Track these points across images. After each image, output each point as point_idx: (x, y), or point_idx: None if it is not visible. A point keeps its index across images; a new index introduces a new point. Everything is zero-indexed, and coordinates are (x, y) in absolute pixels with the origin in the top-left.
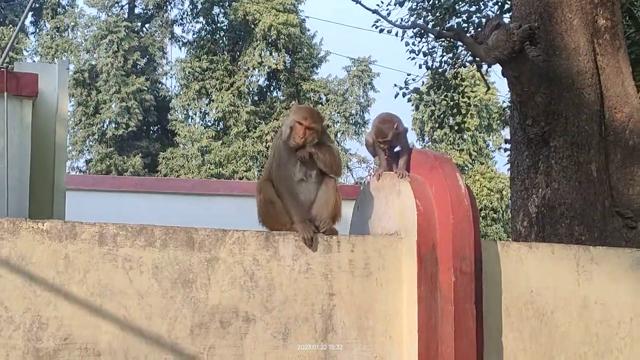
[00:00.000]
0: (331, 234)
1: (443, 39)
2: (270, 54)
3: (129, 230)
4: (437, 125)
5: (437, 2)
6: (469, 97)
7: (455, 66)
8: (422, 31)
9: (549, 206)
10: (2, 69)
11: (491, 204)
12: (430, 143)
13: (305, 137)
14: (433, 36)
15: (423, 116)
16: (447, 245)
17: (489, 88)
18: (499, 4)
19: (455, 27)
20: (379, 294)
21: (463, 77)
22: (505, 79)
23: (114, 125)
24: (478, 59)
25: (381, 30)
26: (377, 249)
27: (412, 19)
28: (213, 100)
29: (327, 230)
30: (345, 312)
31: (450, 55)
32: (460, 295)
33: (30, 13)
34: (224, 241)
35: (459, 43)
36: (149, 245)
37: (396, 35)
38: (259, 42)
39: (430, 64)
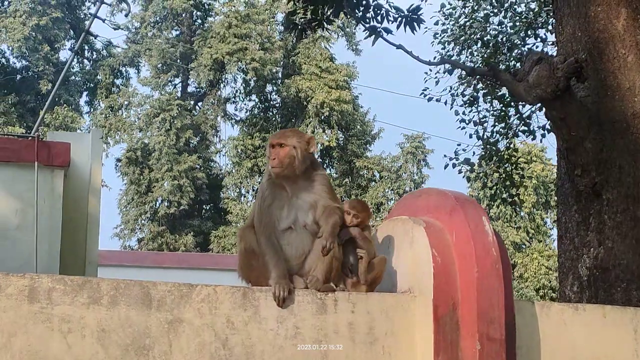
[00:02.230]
0: (326, 291)
1: (494, 109)
2: (323, 130)
3: (68, 284)
4: (488, 198)
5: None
6: (522, 169)
7: (508, 136)
8: (472, 99)
9: (603, 268)
10: (32, 137)
11: (550, 282)
12: None
13: (280, 158)
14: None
15: (479, 193)
16: (470, 305)
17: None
18: None
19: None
20: None
21: (516, 147)
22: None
23: (166, 203)
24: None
25: (429, 99)
26: (384, 309)
27: (462, 87)
28: None
29: (321, 288)
30: None
31: (503, 125)
32: None
33: (85, 93)
34: (190, 298)
35: (511, 112)
36: (93, 302)
37: (445, 103)
38: (311, 119)
39: (481, 133)
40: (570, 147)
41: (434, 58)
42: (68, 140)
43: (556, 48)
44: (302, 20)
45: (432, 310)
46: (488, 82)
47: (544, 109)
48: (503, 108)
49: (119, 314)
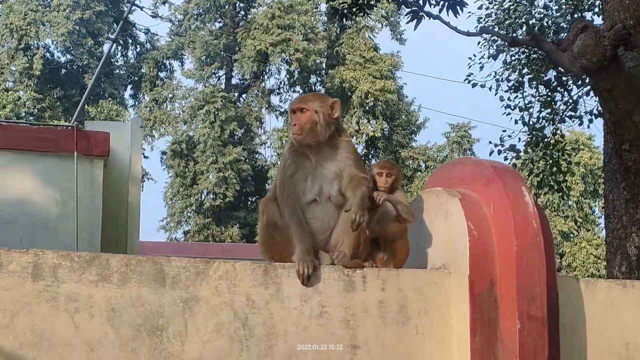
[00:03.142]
0: (354, 267)
1: (540, 94)
2: (368, 121)
3: (75, 261)
4: (535, 186)
5: (532, 53)
6: (569, 155)
7: (554, 122)
8: (517, 84)
9: None
10: (71, 127)
11: (598, 272)
12: None
13: (301, 124)
14: (507, 44)
15: (528, 181)
16: (509, 281)
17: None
18: None
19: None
20: (420, 347)
21: (562, 133)
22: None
23: (211, 195)
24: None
25: (474, 85)
26: (417, 287)
27: (507, 72)
28: None
29: (349, 264)
30: None
31: (549, 110)
32: (528, 348)
33: (129, 86)
34: (207, 275)
35: (558, 97)
36: (102, 280)
37: (490, 89)
38: (356, 109)
39: (526, 119)
40: (617, 121)
41: (478, 44)
42: (107, 130)
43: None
44: (343, 5)
45: (468, 287)
46: (533, 67)
47: (589, 82)
48: (549, 93)
49: (130, 292)
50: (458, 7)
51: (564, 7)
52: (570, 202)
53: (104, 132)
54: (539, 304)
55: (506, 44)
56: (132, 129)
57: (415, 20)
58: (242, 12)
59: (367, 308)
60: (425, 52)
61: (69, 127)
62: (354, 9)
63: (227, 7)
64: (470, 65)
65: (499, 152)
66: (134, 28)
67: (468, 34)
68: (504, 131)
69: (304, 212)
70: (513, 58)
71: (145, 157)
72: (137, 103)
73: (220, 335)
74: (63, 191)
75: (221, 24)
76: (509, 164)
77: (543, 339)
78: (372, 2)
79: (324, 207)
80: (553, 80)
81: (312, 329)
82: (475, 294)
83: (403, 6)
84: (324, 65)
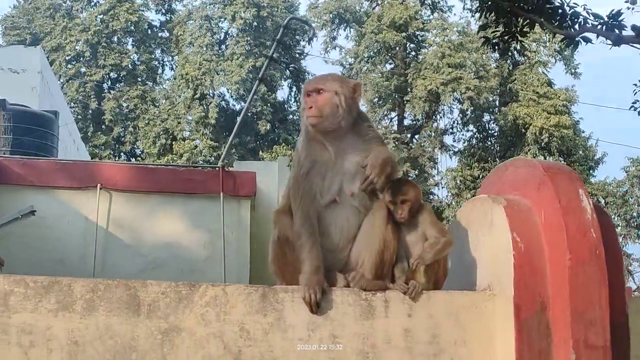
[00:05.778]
0: (374, 289)
1: None
2: (544, 157)
3: (30, 287)
4: None
5: None
6: None
7: None
8: None
9: None
10: (217, 168)
11: None
12: None
13: (318, 106)
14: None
15: None
16: (563, 303)
17: None
18: None
19: None
20: None
21: None
22: None
23: None
24: None
25: None
26: (453, 312)
27: None
28: None
29: (368, 286)
30: None
31: None
32: None
33: None
34: (191, 302)
35: None
36: (63, 309)
37: None
38: (530, 146)
39: None
40: None
41: None
42: (254, 170)
43: None
44: (494, 33)
45: (514, 311)
46: None
47: None
48: None
49: (97, 323)
50: (616, 30)
51: None
52: None
53: (251, 172)
54: (600, 330)
55: None
56: (279, 168)
57: (572, 45)
58: (413, 53)
59: (389, 338)
60: (602, 82)
61: (216, 169)
62: (507, 37)
63: (397, 48)
64: (636, 92)
65: None
66: (306, 73)
67: (567, 35)
68: None
69: (322, 218)
70: None
71: None
72: None
73: None
74: (211, 233)
75: (392, 66)
76: None
77: None
78: (525, 30)
79: (343, 209)
80: None
81: None
82: (521, 319)
83: (558, 31)
84: (496, 103)
